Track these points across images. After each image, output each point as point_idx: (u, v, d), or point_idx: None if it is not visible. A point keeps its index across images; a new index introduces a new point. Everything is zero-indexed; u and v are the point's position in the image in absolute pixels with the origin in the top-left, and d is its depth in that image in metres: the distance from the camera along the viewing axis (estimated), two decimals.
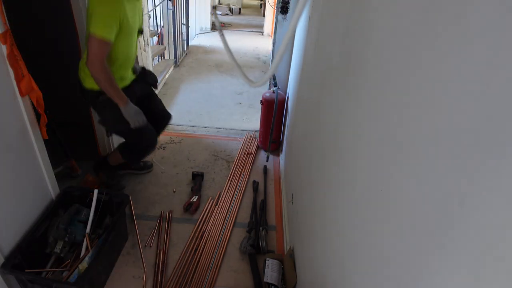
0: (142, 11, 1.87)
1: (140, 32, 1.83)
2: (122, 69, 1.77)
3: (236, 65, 1.40)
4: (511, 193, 0.36)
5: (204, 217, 2.13)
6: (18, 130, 1.46)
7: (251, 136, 3.10)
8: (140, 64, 2.80)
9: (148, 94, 2.07)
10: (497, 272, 0.37)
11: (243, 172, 2.60)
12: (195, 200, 2.21)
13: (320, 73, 1.44)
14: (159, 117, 2.13)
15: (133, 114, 1.74)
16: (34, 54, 1.84)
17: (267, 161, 2.77)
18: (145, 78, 2.01)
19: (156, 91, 2.32)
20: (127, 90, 1.78)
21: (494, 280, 0.38)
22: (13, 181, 1.44)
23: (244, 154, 2.83)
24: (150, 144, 2.01)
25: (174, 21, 4.53)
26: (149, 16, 4.21)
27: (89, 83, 1.70)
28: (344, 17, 1.09)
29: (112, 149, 2.47)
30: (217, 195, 2.34)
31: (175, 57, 4.81)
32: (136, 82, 1.92)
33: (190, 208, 2.16)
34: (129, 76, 1.87)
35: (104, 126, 2.04)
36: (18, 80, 1.40)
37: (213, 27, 7.69)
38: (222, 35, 1.46)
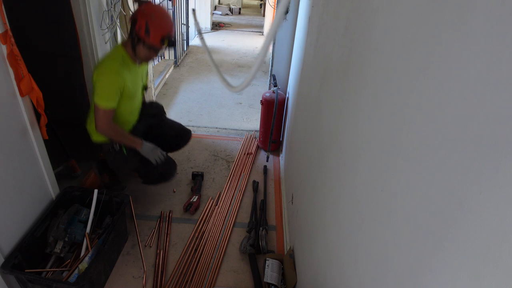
0: (147, 72, 2.03)
1: (145, 88, 1.99)
2: (126, 124, 1.93)
3: (215, 68, 1.42)
4: (511, 193, 0.36)
5: (204, 217, 2.13)
6: (18, 130, 1.46)
7: (251, 136, 3.10)
8: None
9: (154, 123, 2.15)
10: (497, 272, 0.37)
11: (243, 172, 2.60)
12: (195, 200, 2.21)
13: (320, 73, 1.44)
14: (174, 139, 2.23)
15: (150, 152, 1.88)
16: (34, 54, 1.84)
17: (267, 161, 2.77)
18: (146, 112, 2.11)
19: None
20: (131, 131, 1.93)
21: (494, 280, 0.38)
22: (13, 181, 1.44)
23: (244, 154, 2.83)
24: (168, 176, 2.06)
25: (174, 21, 4.53)
26: None
27: (95, 137, 1.89)
28: (344, 17, 1.09)
29: None
30: (217, 195, 2.34)
31: (175, 57, 4.81)
32: (137, 121, 2.03)
33: (190, 208, 2.16)
34: (132, 123, 1.99)
35: (117, 170, 2.12)
36: (18, 80, 1.40)
37: (213, 27, 7.70)
38: (202, 39, 1.54)
